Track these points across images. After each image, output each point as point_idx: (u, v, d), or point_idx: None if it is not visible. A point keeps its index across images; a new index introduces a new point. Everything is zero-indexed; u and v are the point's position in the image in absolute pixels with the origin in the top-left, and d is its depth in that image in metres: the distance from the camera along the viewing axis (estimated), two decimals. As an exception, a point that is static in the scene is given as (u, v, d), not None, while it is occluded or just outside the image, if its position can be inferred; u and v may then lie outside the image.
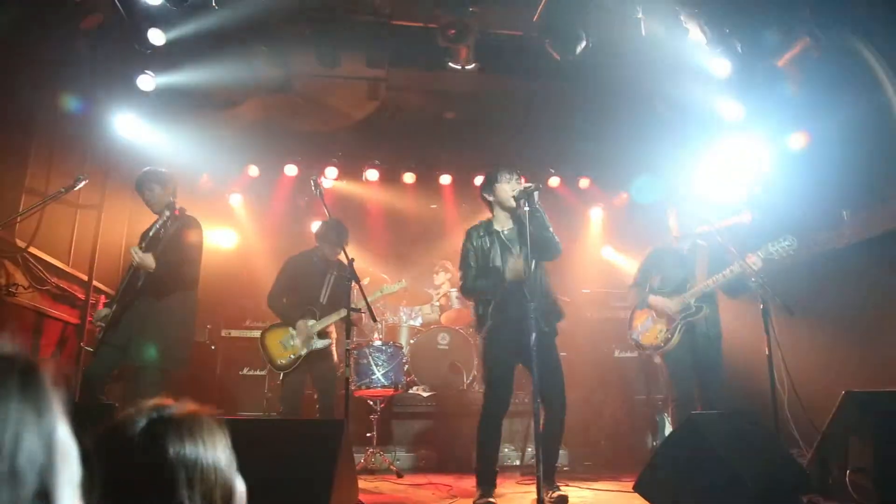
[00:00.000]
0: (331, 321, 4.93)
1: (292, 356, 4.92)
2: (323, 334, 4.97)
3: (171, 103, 6.13)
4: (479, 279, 3.94)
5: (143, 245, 4.29)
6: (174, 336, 4.20)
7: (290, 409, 4.90)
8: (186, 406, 1.18)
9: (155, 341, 4.06)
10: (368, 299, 4.40)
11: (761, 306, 4.02)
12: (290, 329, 4.98)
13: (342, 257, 4.81)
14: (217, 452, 1.14)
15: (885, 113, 4.98)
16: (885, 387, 3.89)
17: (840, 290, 5.36)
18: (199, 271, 4.48)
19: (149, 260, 4.12)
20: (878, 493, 3.09)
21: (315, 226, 5.60)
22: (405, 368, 6.18)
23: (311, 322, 4.93)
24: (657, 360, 4.95)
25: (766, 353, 3.93)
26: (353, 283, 4.17)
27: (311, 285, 5.08)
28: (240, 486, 1.19)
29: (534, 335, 3.48)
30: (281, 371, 4.96)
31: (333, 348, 5.10)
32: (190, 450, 1.10)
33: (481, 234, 4.06)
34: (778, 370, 4.04)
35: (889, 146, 5.02)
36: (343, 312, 4.68)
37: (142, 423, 1.11)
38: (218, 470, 1.13)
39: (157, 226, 4.37)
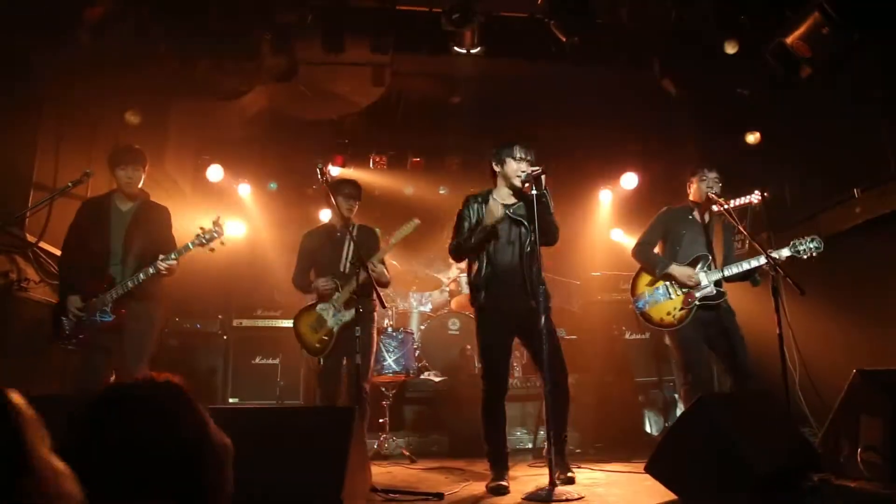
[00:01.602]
0: (349, 292, 4.62)
1: (325, 337, 4.65)
2: (349, 305, 4.62)
3: (174, 93, 6.15)
4: (470, 238, 3.90)
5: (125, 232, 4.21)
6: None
7: (328, 396, 4.61)
8: (149, 381, 1.19)
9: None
10: (383, 253, 4.48)
11: (772, 285, 4.01)
12: (318, 309, 4.72)
13: (362, 222, 4.63)
14: (175, 427, 1.13)
15: (892, 83, 4.92)
16: (894, 365, 3.87)
17: (851, 268, 5.33)
18: None
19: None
20: (890, 470, 3.09)
21: (324, 213, 5.50)
22: (416, 354, 6.22)
23: (336, 295, 4.67)
24: (667, 341, 4.86)
25: (777, 332, 3.92)
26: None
27: (331, 256, 4.81)
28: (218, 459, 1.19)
29: (543, 318, 3.51)
30: (318, 356, 4.70)
31: (374, 330, 4.81)
32: (141, 426, 1.10)
33: (479, 200, 4.06)
34: (789, 349, 4.03)
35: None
36: (362, 275, 4.37)
37: (95, 401, 1.12)
38: (177, 445, 1.12)
39: (131, 209, 4.29)
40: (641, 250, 4.61)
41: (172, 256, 4.10)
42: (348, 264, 4.74)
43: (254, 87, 6.76)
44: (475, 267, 3.99)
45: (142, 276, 4.05)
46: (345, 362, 4.69)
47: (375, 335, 4.95)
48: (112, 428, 1.12)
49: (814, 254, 4.16)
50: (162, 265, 4.04)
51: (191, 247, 4.15)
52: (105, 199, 4.35)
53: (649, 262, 4.55)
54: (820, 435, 3.69)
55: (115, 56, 5.55)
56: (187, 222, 6.67)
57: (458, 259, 4.36)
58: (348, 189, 4.80)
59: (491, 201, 3.95)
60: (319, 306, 4.72)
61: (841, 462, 3.38)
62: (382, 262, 4.63)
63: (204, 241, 4.15)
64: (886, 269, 5.05)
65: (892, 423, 3.11)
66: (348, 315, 4.57)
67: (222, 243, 4.21)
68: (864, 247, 5.23)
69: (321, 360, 4.70)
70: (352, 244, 4.68)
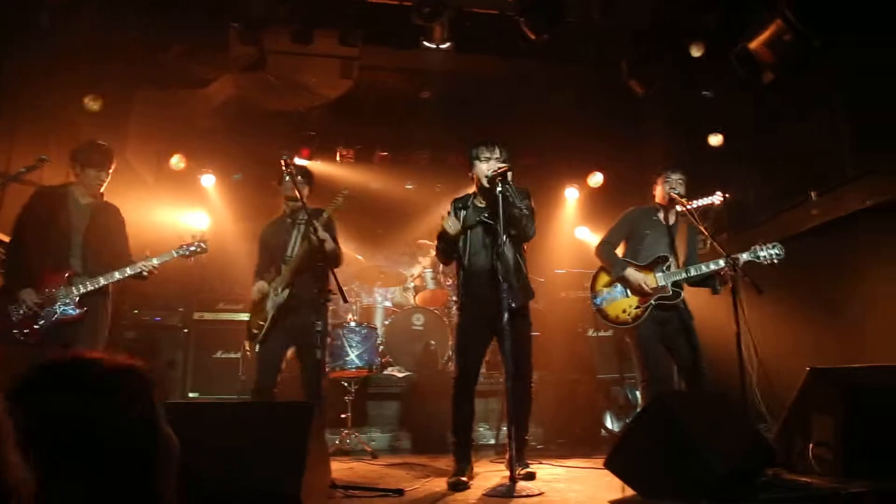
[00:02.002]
0: (290, 273, 4.42)
1: (261, 322, 4.45)
2: (287, 286, 4.42)
3: (138, 81, 6.02)
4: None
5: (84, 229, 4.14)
6: None
7: (264, 386, 4.32)
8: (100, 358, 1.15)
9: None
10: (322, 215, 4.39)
11: (730, 285, 4.08)
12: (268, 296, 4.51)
13: (312, 207, 4.41)
14: (114, 407, 1.10)
15: (850, 90, 5.06)
16: (848, 363, 3.99)
17: (807, 269, 5.46)
18: None
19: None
20: (839, 465, 3.18)
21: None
22: (380, 349, 6.19)
23: (277, 278, 4.50)
24: (628, 339, 4.91)
25: (735, 330, 4.00)
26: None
27: (280, 245, 4.62)
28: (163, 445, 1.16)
29: (506, 315, 3.53)
30: (253, 341, 4.48)
31: (326, 318, 4.43)
32: (73, 402, 1.07)
33: (458, 206, 4.13)
34: (746, 347, 4.10)
35: (855, 125, 5.10)
36: (304, 246, 4.33)
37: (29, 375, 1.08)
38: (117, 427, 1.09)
39: (90, 204, 4.22)
40: (604, 249, 4.67)
41: (155, 262, 4.15)
42: (296, 247, 4.56)
43: (221, 77, 6.66)
44: (459, 269, 4.13)
45: (118, 275, 4.04)
46: (289, 354, 4.49)
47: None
48: (58, 403, 1.08)
49: (774, 260, 4.21)
50: (145, 267, 4.10)
51: (175, 255, 4.24)
52: (63, 189, 4.22)
53: (609, 262, 4.60)
54: (774, 431, 3.77)
55: (78, 42, 5.42)
56: (149, 213, 6.58)
57: (443, 263, 4.55)
58: (300, 176, 4.58)
59: (448, 216, 4.04)
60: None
61: (794, 457, 3.47)
62: (336, 242, 4.51)
63: (187, 252, 4.26)
64: (841, 271, 5.19)
65: (843, 420, 3.20)
66: (283, 296, 4.39)
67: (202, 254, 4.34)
68: (820, 248, 5.37)
69: (257, 347, 4.48)
70: (300, 227, 4.57)
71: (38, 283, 3.94)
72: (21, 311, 3.88)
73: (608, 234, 4.74)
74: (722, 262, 4.22)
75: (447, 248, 4.10)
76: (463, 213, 4.06)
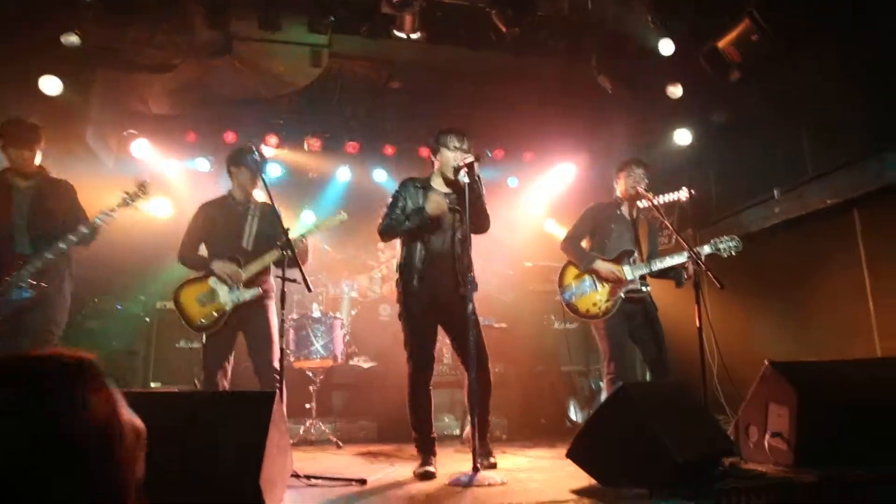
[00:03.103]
0: (258, 268, 4.30)
1: (215, 313, 4.25)
2: (250, 283, 4.32)
3: (101, 63, 5.86)
4: (405, 221, 3.90)
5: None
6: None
7: (211, 378, 4.20)
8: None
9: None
10: (303, 232, 4.28)
11: (693, 279, 4.16)
12: (210, 282, 4.32)
13: (264, 198, 4.26)
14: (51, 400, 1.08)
15: (814, 93, 5.17)
16: (806, 357, 4.09)
17: (769, 265, 5.59)
18: None
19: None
20: (793, 455, 3.26)
21: (256, 193, 5.05)
22: (346, 340, 6.15)
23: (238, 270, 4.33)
24: (595, 331, 4.96)
25: (697, 324, 4.07)
26: (286, 251, 3.90)
27: (231, 230, 4.43)
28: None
29: (470, 305, 3.55)
30: (202, 332, 4.28)
31: (272, 308, 4.41)
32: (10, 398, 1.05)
33: (418, 186, 4.05)
34: (708, 341, 4.19)
35: (817, 127, 5.22)
36: (274, 254, 4.17)
37: None
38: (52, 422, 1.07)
39: (31, 185, 4.17)
40: (570, 245, 4.70)
41: (97, 220, 4.05)
42: (252, 240, 4.45)
43: (185, 62, 6.51)
44: (409, 251, 3.97)
45: (62, 245, 3.97)
46: (235, 343, 4.41)
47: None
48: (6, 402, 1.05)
49: (732, 252, 4.38)
50: (86, 228, 4.02)
51: (115, 208, 4.13)
52: (0, 176, 4.15)
53: (577, 257, 4.64)
54: (733, 422, 3.85)
55: (36, 19, 5.25)
56: (107, 198, 6.42)
57: (385, 239, 4.20)
58: (249, 161, 4.38)
59: (433, 192, 3.94)
60: (212, 279, 4.34)
61: (751, 447, 3.55)
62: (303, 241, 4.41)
63: (128, 202, 4.17)
64: (802, 267, 5.32)
65: (797, 412, 3.29)
66: (248, 294, 4.29)
67: (146, 200, 4.25)
68: (782, 245, 5.49)
69: (204, 338, 4.33)
70: (256, 220, 4.47)
71: None
72: None
73: (572, 230, 4.78)
74: (685, 256, 4.30)
75: (418, 228, 3.86)
76: (421, 193, 3.99)
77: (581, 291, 4.58)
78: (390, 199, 4.07)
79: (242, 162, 4.42)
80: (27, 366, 1.12)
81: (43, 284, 3.93)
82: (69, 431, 1.06)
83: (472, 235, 3.86)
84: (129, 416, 1.20)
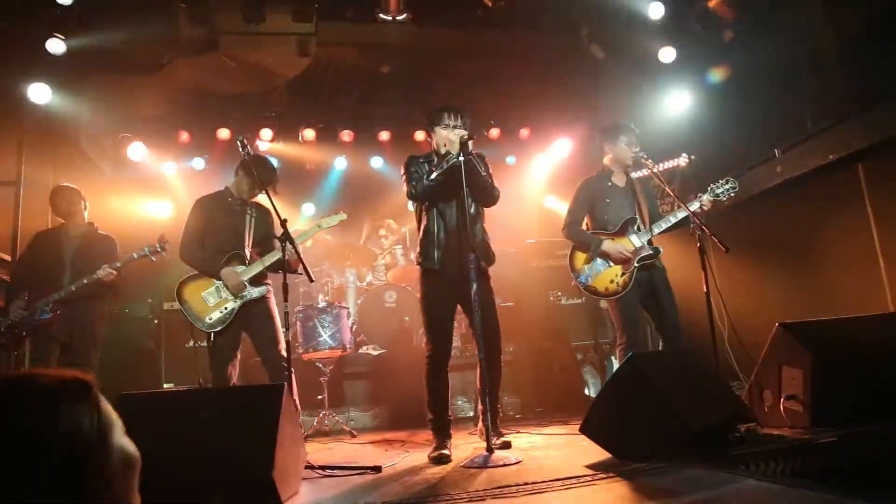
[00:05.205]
0: (259, 269, 4.30)
1: (222, 310, 4.26)
2: (256, 282, 4.31)
3: (90, 67, 5.81)
4: (432, 176, 3.82)
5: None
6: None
7: (222, 374, 4.19)
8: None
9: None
10: (306, 237, 4.33)
11: (698, 245, 4.10)
12: (215, 280, 4.29)
13: (261, 200, 4.26)
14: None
15: (813, 51, 5.07)
16: (818, 317, 4.03)
17: (773, 226, 5.52)
18: None
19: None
20: (809, 416, 3.23)
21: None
22: (353, 329, 6.14)
23: (241, 268, 4.29)
24: (603, 304, 4.91)
25: (704, 290, 4.02)
26: (289, 244, 3.87)
27: (233, 227, 4.39)
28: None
29: (475, 285, 3.51)
30: (210, 330, 4.22)
31: (273, 301, 4.40)
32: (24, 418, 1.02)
33: (421, 161, 4.01)
34: (717, 306, 4.14)
35: (816, 84, 5.12)
36: (274, 255, 4.19)
37: None
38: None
39: (79, 233, 4.96)
40: (572, 230, 4.59)
41: (117, 264, 4.71)
42: (252, 240, 4.46)
43: (173, 61, 6.45)
44: (427, 227, 3.94)
45: (85, 280, 4.66)
46: (240, 340, 4.39)
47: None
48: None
49: (731, 194, 4.36)
50: (102, 273, 4.63)
51: (135, 256, 4.74)
52: (57, 230, 5.05)
53: (582, 242, 4.54)
54: (747, 387, 3.82)
55: (21, 24, 5.20)
56: (108, 203, 6.40)
57: (421, 199, 3.96)
58: (258, 171, 4.30)
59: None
60: (218, 279, 4.31)
61: (766, 412, 3.51)
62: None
63: (147, 253, 4.71)
64: (808, 226, 5.25)
65: (811, 373, 3.24)
66: (256, 292, 4.29)
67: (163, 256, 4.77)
68: (785, 204, 5.42)
69: (212, 336, 4.28)
70: (254, 220, 4.49)
71: (31, 299, 4.68)
72: (5, 321, 4.59)
73: (570, 213, 4.64)
74: (682, 214, 4.27)
75: (450, 173, 3.72)
76: (426, 166, 3.94)
77: (595, 272, 4.48)
78: (403, 172, 3.99)
79: (249, 172, 4.40)
80: (14, 384, 1.09)
81: (58, 311, 4.67)
82: (38, 455, 1.02)
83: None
84: (121, 442, 1.14)
